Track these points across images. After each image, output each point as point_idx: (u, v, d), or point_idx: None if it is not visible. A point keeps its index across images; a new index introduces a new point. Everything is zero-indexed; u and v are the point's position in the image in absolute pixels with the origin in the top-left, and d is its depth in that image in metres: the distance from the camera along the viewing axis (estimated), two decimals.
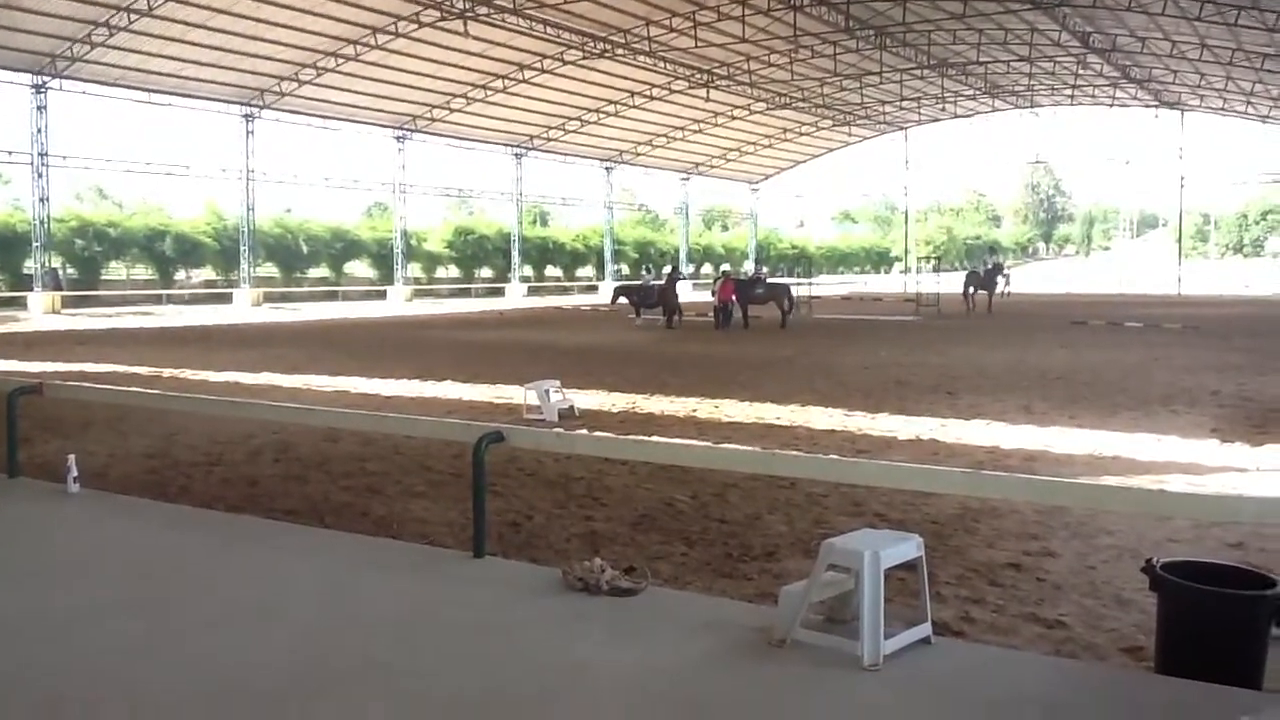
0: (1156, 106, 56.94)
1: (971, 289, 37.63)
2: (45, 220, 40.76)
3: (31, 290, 40.72)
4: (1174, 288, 56.17)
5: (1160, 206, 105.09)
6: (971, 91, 56.13)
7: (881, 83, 52.11)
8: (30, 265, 41.98)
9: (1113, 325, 29.08)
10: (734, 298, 30.16)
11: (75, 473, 7.66)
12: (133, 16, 34.26)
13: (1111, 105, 58.38)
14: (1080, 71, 50.19)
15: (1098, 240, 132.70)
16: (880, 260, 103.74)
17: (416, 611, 5.17)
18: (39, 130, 39.37)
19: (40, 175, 40.07)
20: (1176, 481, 8.58)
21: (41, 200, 40.44)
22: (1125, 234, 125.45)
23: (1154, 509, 6.41)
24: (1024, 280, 59.83)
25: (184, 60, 38.75)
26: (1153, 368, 17.93)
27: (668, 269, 36.88)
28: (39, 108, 39.05)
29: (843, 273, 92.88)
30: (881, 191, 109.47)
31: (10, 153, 42.29)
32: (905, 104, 57.67)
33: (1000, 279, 37.83)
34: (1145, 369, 17.73)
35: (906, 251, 79.93)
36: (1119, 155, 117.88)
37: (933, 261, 62.10)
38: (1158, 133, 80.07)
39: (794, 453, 8.78)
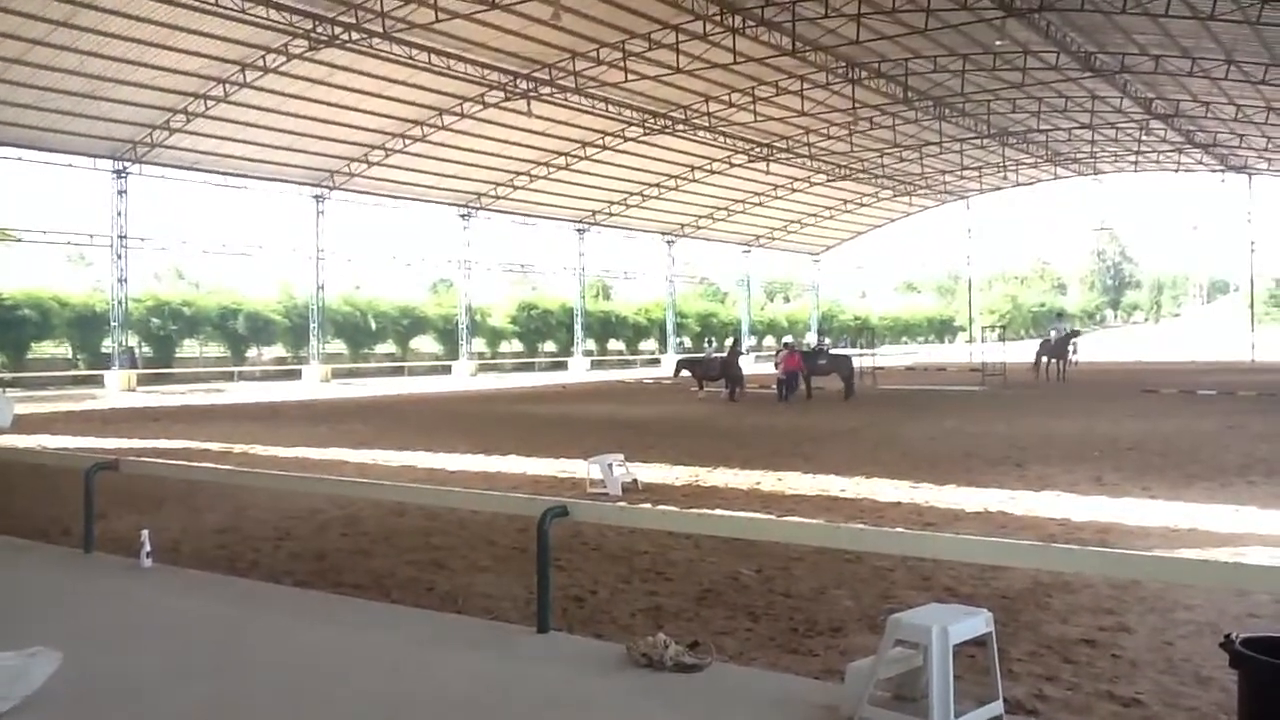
0: (1223, 171, 56.18)
1: (1044, 358, 37.15)
2: (124, 300, 41.98)
3: (109, 368, 41.82)
4: (1247, 354, 54.89)
5: (1230, 272, 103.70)
6: (1033, 159, 55.90)
7: (941, 152, 52.18)
8: (109, 344, 43.16)
9: (1185, 393, 28.48)
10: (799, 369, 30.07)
11: (148, 548, 7.82)
12: (209, 103, 35.55)
13: (1177, 170, 57.71)
14: (1143, 137, 49.81)
15: (1167, 307, 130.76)
16: (944, 330, 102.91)
17: (481, 688, 5.17)
18: (119, 213, 40.69)
19: (120, 257, 41.35)
20: (1256, 554, 8.34)
21: (120, 281, 41.69)
22: (1195, 300, 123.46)
23: (1233, 582, 6.22)
24: (1092, 348, 58.85)
25: (258, 144, 40.03)
26: (1228, 437, 17.50)
27: (729, 341, 36.97)
28: (120, 192, 40.41)
29: (906, 343, 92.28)
30: (944, 261, 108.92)
31: (92, 236, 43.76)
32: (966, 173, 57.61)
33: (1071, 346, 37.28)
34: (1220, 438, 17.31)
35: (971, 321, 79.27)
36: (1186, 220, 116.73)
37: (998, 330, 61.53)
38: (1225, 197, 79.10)
39: (860, 526, 8.70)
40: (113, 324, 41.97)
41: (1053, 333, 38.85)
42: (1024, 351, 41.31)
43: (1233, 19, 27.91)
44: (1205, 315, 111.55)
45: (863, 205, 65.87)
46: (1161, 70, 35.58)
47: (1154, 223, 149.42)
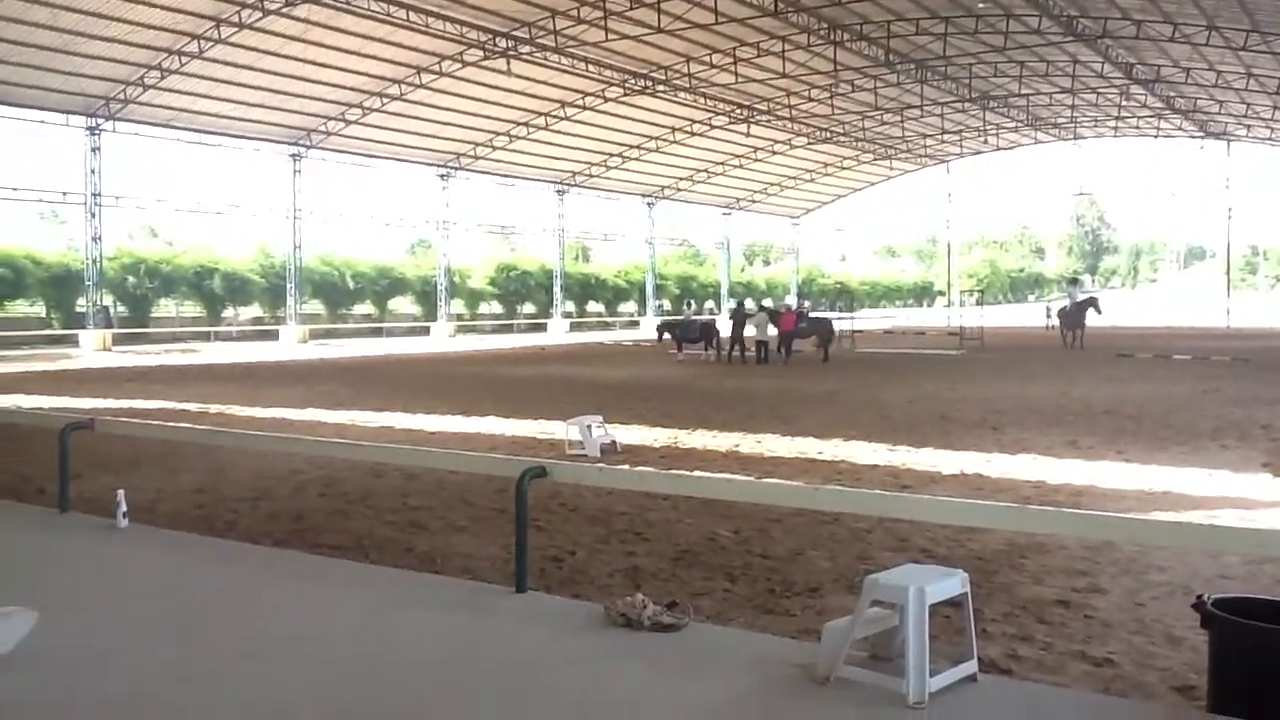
0: (1202, 137, 56.33)
1: (1063, 326, 35.81)
2: (98, 259, 41.53)
3: (84, 328, 41.45)
4: (1223, 320, 55.32)
5: (1207, 238, 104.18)
6: (1014, 124, 55.87)
7: (922, 116, 52.04)
8: (83, 303, 42.77)
9: (1160, 358, 28.70)
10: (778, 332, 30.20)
11: (124, 508, 7.77)
12: (184, 59, 35.05)
13: (1156, 136, 57.82)
14: (1124, 103, 49.84)
15: (1144, 273, 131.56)
16: (923, 294, 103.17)
17: (458, 647, 5.18)
18: (92, 171, 40.20)
19: (93, 215, 40.86)
20: (1228, 516, 8.43)
21: (94, 240, 41.23)
22: (1172, 266, 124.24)
23: (1205, 544, 6.30)
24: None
25: (233, 101, 39.52)
26: (1202, 401, 17.66)
27: (732, 305, 36.67)
28: (93, 149, 39.91)
29: (885, 307, 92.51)
30: (924, 225, 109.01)
31: (65, 194, 43.22)
32: (947, 137, 57.52)
33: (1090, 311, 35.31)
34: (1194, 402, 17.47)
35: (949, 285, 79.48)
36: (1165, 187, 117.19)
37: (976, 295, 61.72)
38: (1204, 164, 78.89)
39: (837, 487, 8.74)
40: (87, 283, 41.53)
41: (1068, 300, 37.45)
42: (1002, 316, 41.36)
43: None
44: (1182, 281, 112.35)
45: (843, 168, 65.74)
46: (1143, 35, 35.52)
47: (1133, 189, 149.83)
